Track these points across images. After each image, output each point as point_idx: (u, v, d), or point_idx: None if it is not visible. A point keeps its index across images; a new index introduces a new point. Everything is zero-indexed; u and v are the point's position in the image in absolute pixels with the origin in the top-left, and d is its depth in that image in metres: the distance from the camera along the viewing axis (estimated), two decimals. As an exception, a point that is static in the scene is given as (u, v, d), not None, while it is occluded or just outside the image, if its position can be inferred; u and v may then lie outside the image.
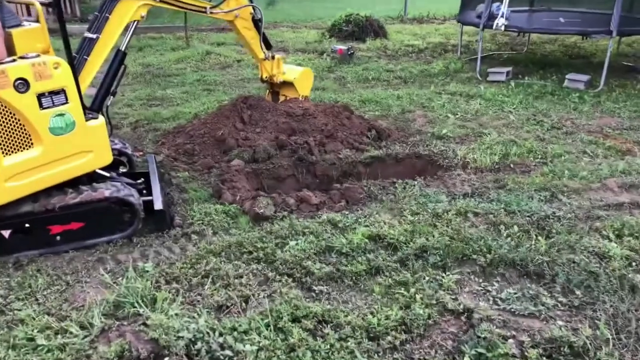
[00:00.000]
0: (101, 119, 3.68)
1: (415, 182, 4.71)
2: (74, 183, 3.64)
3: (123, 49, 4.29)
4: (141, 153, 5.23)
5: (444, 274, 3.29)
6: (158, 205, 3.83)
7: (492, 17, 8.58)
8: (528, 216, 4.00)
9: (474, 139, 5.94)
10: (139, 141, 5.73)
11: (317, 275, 3.24)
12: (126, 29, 4.29)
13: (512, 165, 5.17)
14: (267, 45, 5.64)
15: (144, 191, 4.12)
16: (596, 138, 5.94)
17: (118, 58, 4.25)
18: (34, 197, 3.43)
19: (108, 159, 3.76)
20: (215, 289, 3.14)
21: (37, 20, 3.45)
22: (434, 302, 3.01)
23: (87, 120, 3.56)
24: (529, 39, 11.49)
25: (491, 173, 5.01)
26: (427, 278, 3.24)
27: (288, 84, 6.07)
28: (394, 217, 4.02)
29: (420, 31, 13.54)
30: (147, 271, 3.31)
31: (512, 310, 2.93)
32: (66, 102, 3.39)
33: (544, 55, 10.86)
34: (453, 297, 3.07)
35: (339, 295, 3.11)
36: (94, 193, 3.59)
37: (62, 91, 3.35)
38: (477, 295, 3.12)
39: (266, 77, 5.84)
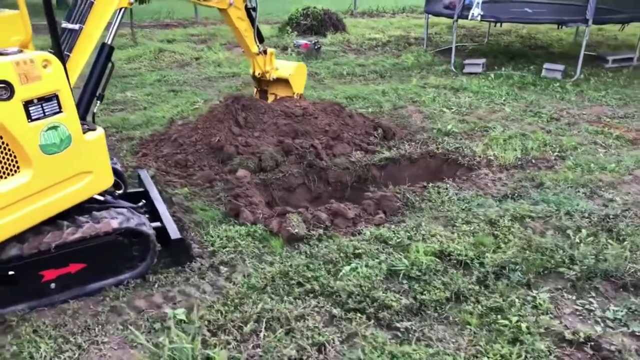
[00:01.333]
0: (100, 131, 2.92)
1: (447, 185, 4.26)
2: (64, 213, 2.86)
3: (109, 43, 3.51)
4: (122, 168, 4.41)
5: (533, 293, 2.86)
6: (174, 233, 3.12)
7: (464, 7, 8.36)
8: (586, 217, 3.67)
9: (481, 134, 5.60)
10: (113, 153, 4.87)
11: (395, 309, 2.69)
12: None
13: (533, 161, 4.86)
14: (260, 38, 4.99)
15: (147, 215, 3.38)
16: (600, 128, 5.78)
17: (104, 53, 3.47)
18: (20, 235, 2.62)
19: (109, 180, 3.00)
20: (276, 338, 2.51)
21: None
22: (543, 330, 2.56)
23: (84, 133, 2.79)
24: (489, 31, 11.47)
25: (517, 170, 4.66)
26: (517, 301, 2.78)
27: (279, 81, 5.44)
28: (447, 228, 3.54)
29: (376, 25, 13.21)
30: (182, 320, 2.62)
31: (637, 334, 2.53)
32: (60, 111, 2.61)
33: (505, 46, 10.85)
34: (559, 321, 2.64)
35: (429, 331, 2.58)
36: (98, 225, 2.83)
37: (54, 97, 2.58)
38: (583, 317, 2.70)
39: (259, 74, 5.18)
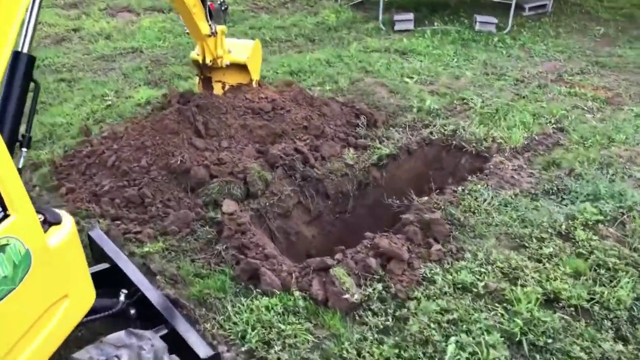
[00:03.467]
0: (68, 221, 1.68)
1: (478, 186, 3.56)
2: None
3: (26, 51, 2.14)
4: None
5: (679, 340, 2.32)
6: (205, 350, 2.03)
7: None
8: (653, 213, 3.23)
9: (462, 107, 4.99)
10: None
11: (556, 409, 1.97)
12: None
13: (537, 138, 4.36)
14: (210, 15, 3.72)
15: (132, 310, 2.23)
16: (569, 88, 5.48)
17: (21, 68, 2.11)
18: None
19: (91, 295, 1.80)
20: None
21: None
22: None
23: (45, 233, 1.56)
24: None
25: (529, 153, 4.14)
26: (673, 356, 2.22)
27: (227, 66, 4.21)
28: (522, 253, 2.87)
29: (271, -25, 11.85)
30: None
31: None
32: (6, 215, 1.37)
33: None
34: None
35: None
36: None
37: (-9, 192, 1.33)
38: None
39: (210, 61, 3.92)
